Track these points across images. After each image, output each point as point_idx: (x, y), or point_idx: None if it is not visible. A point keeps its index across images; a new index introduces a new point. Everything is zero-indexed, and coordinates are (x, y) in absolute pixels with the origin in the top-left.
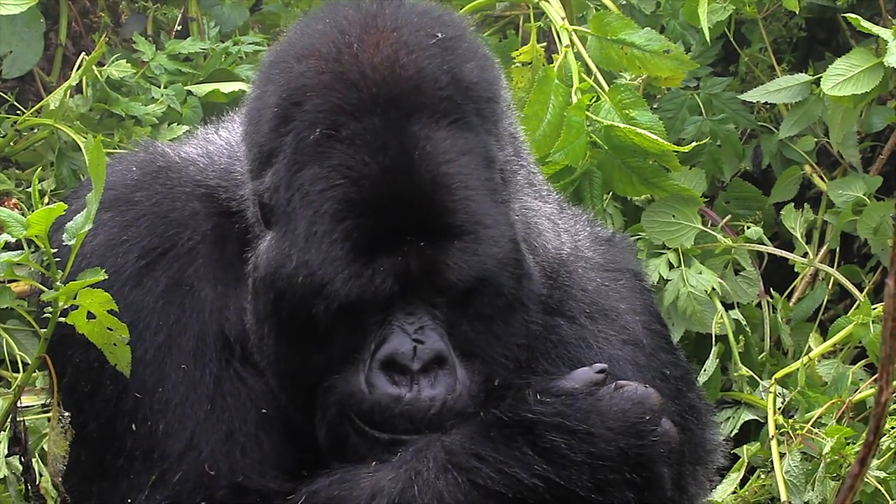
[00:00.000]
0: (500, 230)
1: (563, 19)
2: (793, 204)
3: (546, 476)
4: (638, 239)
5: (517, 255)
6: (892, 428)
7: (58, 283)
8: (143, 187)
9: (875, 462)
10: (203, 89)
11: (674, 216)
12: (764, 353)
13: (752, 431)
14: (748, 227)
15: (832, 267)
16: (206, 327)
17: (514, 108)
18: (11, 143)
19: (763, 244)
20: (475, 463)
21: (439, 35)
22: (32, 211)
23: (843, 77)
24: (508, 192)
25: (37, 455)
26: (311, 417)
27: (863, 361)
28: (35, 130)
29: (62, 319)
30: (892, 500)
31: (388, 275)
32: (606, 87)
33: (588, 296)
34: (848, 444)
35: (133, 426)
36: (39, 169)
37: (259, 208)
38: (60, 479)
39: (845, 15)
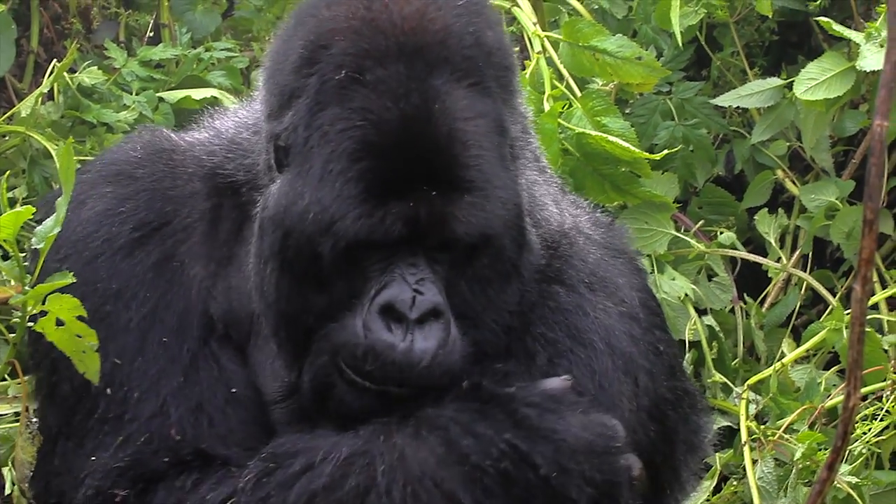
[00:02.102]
0: (508, 193)
1: (534, 25)
2: (766, 209)
3: (513, 442)
4: None
5: (521, 222)
6: (865, 433)
7: (26, 288)
8: (146, 165)
9: (847, 467)
10: (175, 96)
11: (647, 222)
12: (737, 360)
13: (725, 438)
14: (721, 233)
15: (805, 272)
16: (190, 305)
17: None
18: None
19: (736, 249)
20: (446, 423)
21: None
22: None
23: (816, 81)
24: (516, 167)
25: (9, 464)
26: (299, 364)
27: (836, 367)
28: (6, 137)
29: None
30: None
31: (397, 218)
32: (578, 94)
33: (587, 266)
34: (819, 449)
35: (108, 390)
36: (10, 176)
37: (273, 151)
38: (27, 484)
39: (817, 19)
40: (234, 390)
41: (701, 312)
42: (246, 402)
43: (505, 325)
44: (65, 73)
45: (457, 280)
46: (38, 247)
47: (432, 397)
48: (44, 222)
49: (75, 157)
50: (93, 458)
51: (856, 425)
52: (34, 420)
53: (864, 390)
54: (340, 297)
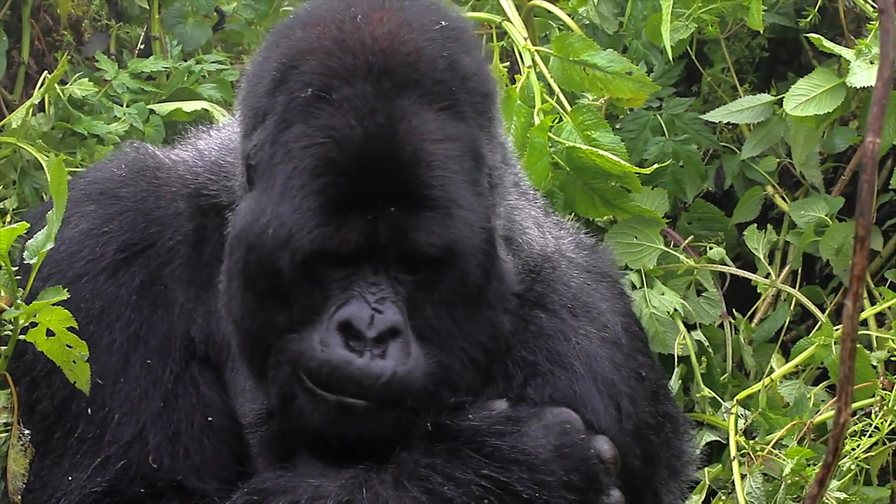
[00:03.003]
0: (475, 216)
1: (525, 39)
2: (755, 224)
3: (491, 476)
4: None
5: (490, 249)
6: (854, 449)
7: (18, 301)
8: (130, 184)
9: (836, 483)
10: (165, 108)
11: (636, 237)
12: (726, 375)
13: (714, 453)
14: (710, 248)
15: (794, 288)
16: (173, 328)
17: (502, 115)
18: None
19: (725, 265)
20: (425, 472)
21: (443, 23)
22: None
23: (806, 97)
24: (494, 197)
25: None
26: (264, 384)
27: (825, 383)
28: None
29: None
30: None
31: (353, 228)
32: (569, 108)
33: (570, 291)
34: (808, 465)
35: (89, 410)
36: (1, 187)
37: (245, 169)
38: (19, 497)
39: (808, 35)
40: (210, 419)
41: (690, 327)
42: (221, 431)
43: (476, 356)
44: (56, 85)
45: (422, 303)
46: (30, 262)
47: (393, 418)
48: (35, 236)
49: (66, 169)
50: (69, 478)
51: (845, 441)
52: (26, 432)
53: (853, 406)
54: (301, 314)
